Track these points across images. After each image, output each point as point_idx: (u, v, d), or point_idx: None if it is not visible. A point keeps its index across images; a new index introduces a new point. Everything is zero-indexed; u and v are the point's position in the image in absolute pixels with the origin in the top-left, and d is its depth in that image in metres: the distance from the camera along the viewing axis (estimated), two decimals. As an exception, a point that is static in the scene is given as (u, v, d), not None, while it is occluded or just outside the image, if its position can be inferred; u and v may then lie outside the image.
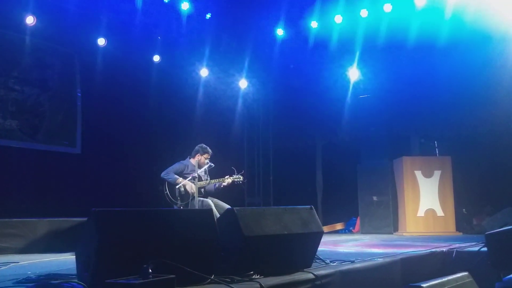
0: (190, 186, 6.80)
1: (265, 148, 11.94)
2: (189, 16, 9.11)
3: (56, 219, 6.48)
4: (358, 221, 9.83)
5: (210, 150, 7.20)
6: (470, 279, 3.32)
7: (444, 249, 5.33)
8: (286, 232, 3.73)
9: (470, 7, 8.12)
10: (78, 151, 8.64)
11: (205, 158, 7.11)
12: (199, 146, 7.22)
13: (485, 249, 4.70)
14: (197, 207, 6.49)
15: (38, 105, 8.24)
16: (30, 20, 7.71)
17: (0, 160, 7.50)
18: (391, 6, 8.79)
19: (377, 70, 9.84)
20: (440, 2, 8.42)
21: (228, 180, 6.91)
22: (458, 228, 8.66)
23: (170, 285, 2.69)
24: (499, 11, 7.99)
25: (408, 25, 8.72)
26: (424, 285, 2.75)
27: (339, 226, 10.13)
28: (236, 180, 6.94)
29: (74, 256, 3.25)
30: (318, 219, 4.07)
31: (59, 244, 5.89)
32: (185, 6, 8.87)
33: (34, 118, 8.15)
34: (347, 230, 10.09)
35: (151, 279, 2.61)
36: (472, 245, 5.60)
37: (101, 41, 8.68)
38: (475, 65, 8.77)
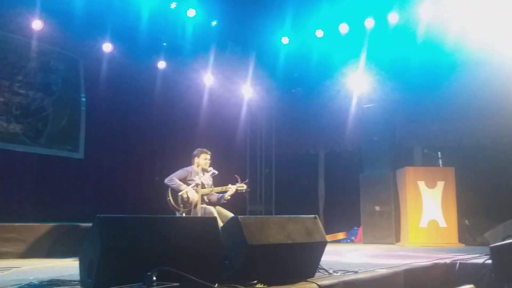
0: (193, 193, 6.78)
1: (268, 155, 11.93)
2: (195, 23, 9.12)
3: (58, 224, 6.47)
4: (360, 231, 9.80)
5: (205, 150, 7.16)
6: (475, 292, 3.30)
7: (447, 261, 5.29)
8: (290, 242, 3.71)
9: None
10: (81, 156, 8.64)
11: (204, 159, 7.07)
12: (196, 150, 7.22)
13: (489, 261, 4.68)
14: (199, 214, 6.46)
15: (42, 109, 8.26)
16: (37, 24, 7.73)
17: (3, 163, 7.50)
18: (397, 16, 8.78)
19: (381, 79, 9.84)
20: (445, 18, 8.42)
21: (231, 188, 6.89)
22: (460, 240, 8.61)
23: (174, 293, 2.67)
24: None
25: (414, 36, 8.72)
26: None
27: (341, 235, 10.10)
28: (239, 188, 6.91)
29: (76, 262, 3.23)
30: (322, 229, 4.05)
31: (61, 249, 5.89)
32: (191, 13, 8.89)
33: (38, 122, 8.15)
34: (348, 240, 10.06)
35: (155, 287, 2.59)
36: (475, 257, 5.56)
37: (107, 47, 8.69)
38: (480, 77, 8.78)
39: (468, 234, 8.92)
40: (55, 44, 8.33)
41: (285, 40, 9.95)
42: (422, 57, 8.94)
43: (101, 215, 3.00)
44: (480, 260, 5.13)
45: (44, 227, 6.25)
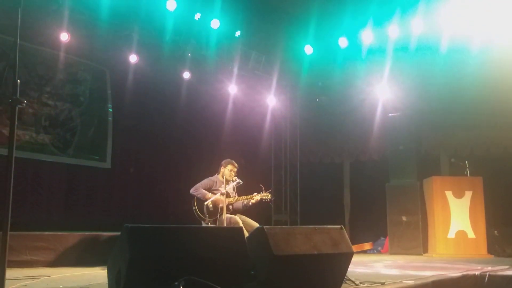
0: (219, 202, 6.80)
1: (293, 165, 11.90)
2: (219, 33, 9.19)
3: (86, 232, 6.56)
4: (386, 241, 9.69)
5: (233, 162, 7.18)
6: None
7: (476, 273, 5.20)
8: (316, 252, 3.69)
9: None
10: (108, 166, 8.76)
11: (230, 170, 7.09)
12: (224, 160, 7.25)
13: (520, 273, 4.59)
14: (225, 224, 6.48)
15: (70, 120, 8.40)
16: (64, 37, 7.88)
17: (33, 173, 7.65)
18: (421, 24, 8.71)
19: (406, 88, 9.77)
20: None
21: (256, 197, 6.89)
22: (489, 251, 8.45)
23: (201, 303, 2.69)
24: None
25: (438, 42, 8.63)
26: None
27: (367, 246, 9.99)
28: (264, 198, 6.91)
29: (105, 270, 3.26)
30: (348, 240, 4.02)
31: (89, 258, 5.96)
32: (215, 24, 8.95)
33: (66, 132, 8.30)
34: (375, 250, 9.95)
35: (183, 297, 2.61)
36: (505, 268, 5.46)
37: (133, 58, 8.82)
38: (506, 83, 8.65)
39: (497, 245, 8.74)
40: (82, 55, 8.48)
41: (308, 49, 9.94)
42: (448, 64, 8.84)
43: (130, 225, 3.04)
44: (510, 272, 5.04)
45: (72, 236, 6.34)
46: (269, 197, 7.00)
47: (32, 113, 7.83)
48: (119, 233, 3.18)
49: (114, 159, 8.80)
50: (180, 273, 2.83)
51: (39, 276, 4.57)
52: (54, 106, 8.18)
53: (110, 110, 8.90)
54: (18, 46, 2.89)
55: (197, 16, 8.78)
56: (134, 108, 9.01)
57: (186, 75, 9.71)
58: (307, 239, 3.73)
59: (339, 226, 4.07)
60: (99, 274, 4.75)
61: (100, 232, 6.62)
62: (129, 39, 8.52)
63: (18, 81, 2.67)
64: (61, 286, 3.72)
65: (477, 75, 8.77)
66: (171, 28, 8.58)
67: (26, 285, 3.97)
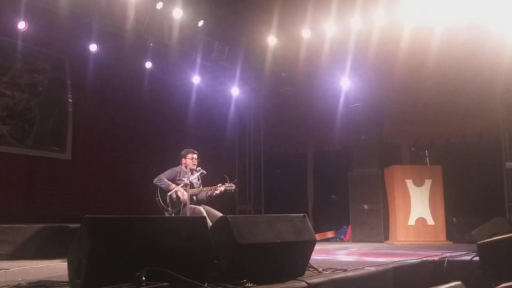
0: (182, 193, 6.77)
1: (257, 155, 11.94)
2: (182, 23, 9.09)
3: (46, 225, 6.43)
4: (349, 230, 9.83)
5: (191, 150, 7.15)
6: (463, 288, 3.32)
7: (435, 258, 5.33)
8: (279, 240, 3.72)
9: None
10: (68, 157, 8.59)
11: (191, 159, 7.06)
12: (183, 151, 7.21)
13: (477, 258, 4.72)
14: (188, 214, 6.45)
15: (28, 110, 8.19)
16: (22, 25, 7.67)
17: (-10, 165, 7.43)
18: (383, 16, 8.81)
19: (368, 78, 9.90)
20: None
21: (220, 188, 6.88)
22: (448, 237, 8.68)
23: (164, 293, 2.67)
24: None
25: (400, 34, 8.76)
26: (418, 294, 2.75)
27: (330, 234, 10.12)
28: (228, 188, 6.90)
29: (65, 263, 3.21)
30: (311, 228, 4.06)
31: (49, 250, 5.85)
32: (177, 13, 8.86)
33: (24, 123, 8.09)
34: (338, 238, 10.09)
35: (145, 287, 2.58)
36: (463, 254, 5.61)
37: (93, 47, 8.65)
38: (465, 74, 8.87)
39: (456, 232, 8.98)
40: (41, 44, 8.27)
41: (272, 40, 9.94)
42: (408, 55, 8.98)
43: (89, 216, 2.98)
44: (468, 257, 5.19)
45: (32, 228, 6.22)
46: (234, 187, 7.00)
47: (-12, 104, 7.60)
48: (79, 225, 3.13)
49: (74, 150, 8.63)
50: (142, 263, 2.80)
51: (-3, 270, 4.46)
52: (12, 96, 7.96)
53: (70, 100, 8.71)
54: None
55: (159, 5, 8.67)
56: (95, 98, 8.86)
57: (148, 65, 9.59)
58: (270, 227, 3.75)
59: (302, 214, 4.10)
60: (59, 266, 4.67)
61: (61, 224, 6.51)
62: (89, 28, 8.34)
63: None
64: (20, 279, 3.63)
65: (437, 66, 8.94)
66: (132, 17, 8.44)
67: (-17, 279, 3.87)
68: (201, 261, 3.29)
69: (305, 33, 9.64)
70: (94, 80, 8.77)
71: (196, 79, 10.29)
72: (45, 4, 7.53)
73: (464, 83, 8.95)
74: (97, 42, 8.63)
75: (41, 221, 6.72)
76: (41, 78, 8.41)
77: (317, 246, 4.09)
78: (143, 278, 2.63)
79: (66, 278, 3.28)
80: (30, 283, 3.35)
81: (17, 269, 4.63)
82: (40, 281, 3.40)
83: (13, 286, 3.21)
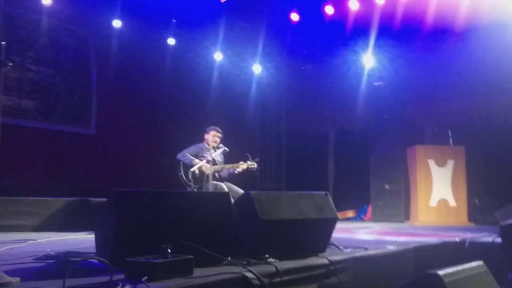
0: (205, 169, 6.82)
1: (278, 133, 11.95)
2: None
3: (71, 198, 6.56)
4: (369, 209, 9.84)
5: (217, 128, 7.18)
6: (485, 268, 3.32)
7: (456, 239, 5.32)
8: (301, 217, 3.74)
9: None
10: (92, 131, 8.70)
11: (213, 136, 7.09)
12: (208, 127, 7.25)
13: (498, 239, 4.70)
14: (210, 190, 6.52)
15: (53, 86, 8.29)
16: (46, 0, 7.73)
17: (16, 139, 7.57)
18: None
19: (392, 57, 9.78)
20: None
21: (242, 166, 6.91)
22: (470, 219, 8.62)
23: (189, 265, 2.72)
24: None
25: (425, 10, 8.59)
26: (440, 272, 2.76)
27: (350, 213, 10.14)
28: (250, 166, 6.94)
29: (89, 235, 3.28)
30: (333, 206, 4.07)
31: (74, 223, 5.97)
32: (201, -11, 8.85)
33: (50, 98, 8.19)
34: (358, 218, 10.11)
35: (171, 259, 2.64)
36: (484, 235, 5.59)
37: (117, 23, 8.71)
38: (491, 54, 8.70)
39: (478, 214, 8.93)
40: (65, 20, 8.32)
41: (294, 16, 9.85)
42: (433, 33, 8.83)
43: (117, 189, 3.04)
44: (490, 239, 5.16)
45: (57, 202, 6.35)
46: (255, 166, 7.03)
47: (14, 78, 7.70)
48: (104, 199, 3.18)
49: (98, 125, 8.74)
50: (167, 236, 2.85)
51: (26, 240, 4.58)
52: (37, 71, 8.05)
53: (94, 76, 8.79)
54: (2, 7, 2.82)
55: (183, -19, 8.66)
56: (119, 74, 8.91)
57: (171, 41, 9.61)
58: (293, 204, 3.77)
59: (324, 192, 4.12)
60: (85, 239, 4.78)
61: (85, 197, 6.63)
62: (113, 4, 8.39)
63: (3, 43, 2.61)
64: (48, 250, 3.73)
65: (464, 44, 8.79)
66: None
67: (12, 249, 3.98)
68: (224, 236, 3.33)
69: (328, 9, 9.52)
70: (118, 56, 8.83)
71: (218, 56, 10.28)
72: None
73: (490, 63, 8.78)
74: (120, 18, 8.68)
75: (66, 194, 6.86)
76: (65, 54, 8.48)
77: (338, 225, 4.11)
78: (168, 251, 2.67)
79: (93, 250, 3.37)
80: (58, 253, 3.43)
81: (45, 240, 4.76)
82: (68, 252, 3.49)
83: (42, 255, 3.30)
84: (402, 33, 9.27)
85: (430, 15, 8.61)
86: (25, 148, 7.75)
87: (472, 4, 8.20)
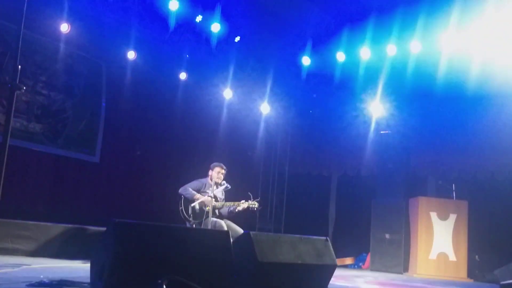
0: (205, 205, 6.79)
1: (281, 174, 11.93)
2: (219, 38, 9.23)
3: (70, 225, 6.52)
4: (368, 257, 9.72)
5: (221, 164, 7.17)
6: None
7: (455, 295, 5.24)
8: (300, 262, 3.71)
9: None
10: (96, 160, 8.71)
11: (218, 173, 7.07)
12: (213, 163, 7.25)
13: (499, 298, 4.62)
14: (209, 227, 6.47)
15: (62, 111, 8.36)
16: (64, 27, 7.90)
17: (21, 162, 7.59)
18: (420, 45, 8.74)
19: (400, 106, 9.82)
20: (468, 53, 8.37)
21: (243, 205, 6.88)
22: (469, 275, 8.50)
23: (183, 304, 2.68)
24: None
25: (436, 67, 8.69)
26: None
27: (348, 260, 10.02)
28: (251, 206, 6.90)
29: (84, 264, 3.25)
30: (333, 252, 4.04)
31: (71, 251, 5.92)
32: (215, 28, 9.00)
33: (57, 123, 8.26)
34: (356, 266, 9.98)
35: (166, 296, 2.60)
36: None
37: (131, 54, 8.84)
38: (498, 112, 8.75)
39: (478, 270, 8.80)
40: (80, 48, 8.46)
41: (306, 60, 9.98)
42: (443, 86, 8.89)
43: (117, 220, 3.03)
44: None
45: (55, 228, 6.31)
46: (256, 205, 6.99)
47: (25, 101, 7.79)
48: (103, 228, 3.17)
49: (103, 153, 8.76)
50: (164, 271, 2.82)
51: (19, 265, 4.53)
52: (48, 96, 8.14)
53: (104, 104, 8.87)
54: (22, 31, 2.88)
55: (199, 18, 8.82)
56: (128, 105, 8.99)
57: (183, 76, 9.73)
58: (292, 248, 3.75)
59: (324, 237, 4.09)
60: (80, 267, 4.73)
61: (84, 225, 6.59)
62: (128, 35, 8.56)
63: (19, 66, 2.65)
64: (42, 276, 3.69)
65: (472, 101, 8.84)
66: (172, 28, 8.61)
67: (6, 273, 3.94)
68: (221, 275, 3.30)
69: (340, 56, 9.65)
70: (129, 87, 8.92)
71: (228, 94, 10.38)
72: (88, 8, 7.73)
73: (496, 120, 8.82)
74: (135, 50, 8.82)
75: (66, 220, 6.82)
76: (77, 81, 8.60)
77: (335, 272, 4.06)
78: (164, 286, 2.64)
79: (87, 279, 3.33)
80: (52, 281, 3.39)
81: (39, 266, 4.71)
82: (61, 280, 3.45)
83: (35, 282, 3.26)
84: (412, 83, 9.32)
85: (442, 67, 8.68)
86: (29, 171, 7.76)
87: (483, 72, 8.25)
